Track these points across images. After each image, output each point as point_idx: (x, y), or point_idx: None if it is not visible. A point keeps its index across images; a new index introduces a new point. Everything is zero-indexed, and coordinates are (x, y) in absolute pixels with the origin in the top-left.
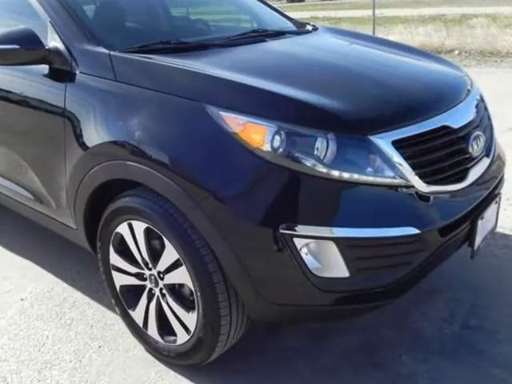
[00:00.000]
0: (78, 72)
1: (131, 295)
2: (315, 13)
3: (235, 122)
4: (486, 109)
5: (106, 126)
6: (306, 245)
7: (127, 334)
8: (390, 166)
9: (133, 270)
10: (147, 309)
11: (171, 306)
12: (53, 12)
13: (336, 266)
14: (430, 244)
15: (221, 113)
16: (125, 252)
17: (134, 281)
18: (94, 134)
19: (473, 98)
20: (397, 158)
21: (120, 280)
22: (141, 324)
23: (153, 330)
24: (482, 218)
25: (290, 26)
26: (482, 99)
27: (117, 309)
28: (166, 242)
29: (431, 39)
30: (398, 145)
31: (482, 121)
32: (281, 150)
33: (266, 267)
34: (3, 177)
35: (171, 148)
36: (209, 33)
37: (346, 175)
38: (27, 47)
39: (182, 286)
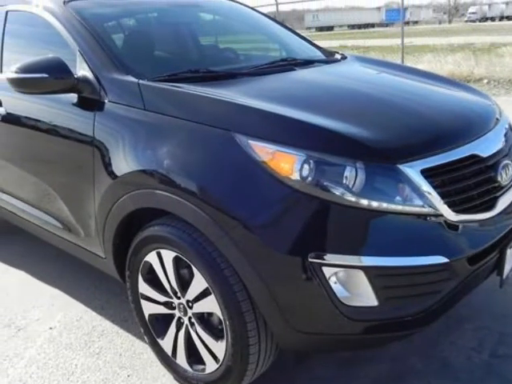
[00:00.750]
0: (106, 101)
1: (160, 324)
2: (344, 41)
3: (264, 151)
4: None
5: (135, 154)
6: (335, 273)
7: (156, 362)
8: (419, 195)
9: (162, 298)
10: (176, 337)
11: (200, 334)
12: (82, 41)
13: (365, 295)
14: (459, 273)
15: (250, 141)
16: (154, 281)
17: (162, 309)
18: (123, 163)
19: (502, 126)
20: (426, 186)
21: (149, 309)
22: (170, 353)
23: (182, 359)
24: (510, 247)
25: (319, 55)
26: (510, 128)
27: (146, 338)
28: (195, 270)
29: (460, 68)
30: (426, 173)
31: (511, 149)
32: (310, 178)
33: (295, 296)
34: (32, 206)
35: (200, 177)
36: (238, 61)
37: (374, 204)
38: (56, 76)
39: (210, 314)
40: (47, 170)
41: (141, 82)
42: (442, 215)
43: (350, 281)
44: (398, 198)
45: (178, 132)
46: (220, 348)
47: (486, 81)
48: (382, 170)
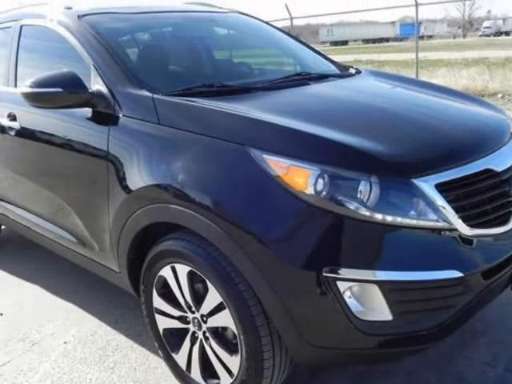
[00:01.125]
0: (121, 115)
1: (174, 338)
2: (358, 56)
3: (278, 166)
4: None
5: (149, 169)
6: (350, 288)
7: (170, 377)
8: (434, 209)
9: (176, 313)
10: (190, 352)
11: (214, 349)
12: (96, 55)
13: (379, 309)
14: (473, 287)
15: (264, 156)
16: (168, 295)
17: (177, 324)
18: (138, 177)
19: None
20: (440, 201)
21: (163, 323)
22: (184, 367)
23: (196, 373)
24: None
25: (334, 69)
26: None
27: (160, 352)
28: (209, 285)
29: (474, 82)
30: (441, 188)
31: None
32: (324, 193)
33: (309, 310)
34: (47, 220)
35: (214, 191)
36: (252, 76)
37: (389, 218)
38: (70, 90)
39: (225, 329)
40: (62, 185)
41: (155, 96)
42: (456, 229)
43: (364, 295)
44: (412, 212)
45: (193, 146)
46: (234, 362)
47: (500, 95)
48: (397, 184)
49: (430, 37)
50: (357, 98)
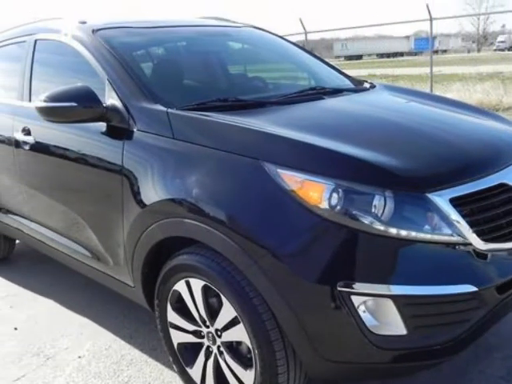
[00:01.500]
0: (135, 130)
1: (189, 353)
2: (373, 70)
3: (293, 180)
4: None
5: (164, 183)
6: (364, 302)
7: None
8: (448, 224)
9: (190, 327)
10: (205, 366)
11: (229, 363)
12: (111, 70)
13: (394, 324)
14: (488, 301)
15: (278, 170)
16: (182, 310)
17: (191, 338)
18: (152, 192)
19: None
20: (454, 215)
21: (178, 337)
22: (198, 382)
23: None
24: None
25: (348, 84)
26: None
27: (174, 366)
28: (224, 299)
29: (489, 97)
30: (455, 202)
31: None
32: (338, 207)
33: (324, 325)
34: (61, 234)
35: (229, 205)
36: (266, 90)
37: (403, 233)
38: (85, 105)
39: (239, 343)
40: (76, 199)
41: (169, 110)
42: (470, 244)
43: (378, 309)
44: (426, 226)
45: (207, 161)
46: (249, 377)
47: None
48: (411, 198)
49: (445, 51)
50: (371, 112)
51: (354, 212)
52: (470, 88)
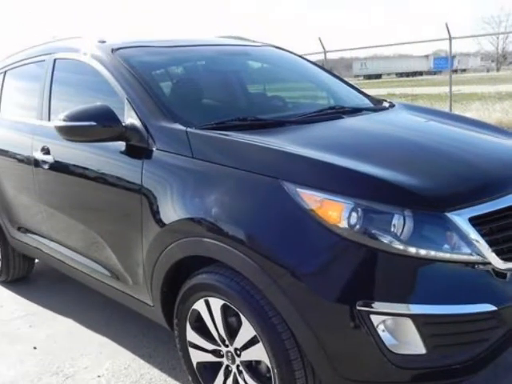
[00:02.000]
0: (154, 149)
1: (208, 372)
2: (392, 89)
3: (312, 199)
4: None
5: (183, 202)
6: (383, 321)
7: None
8: (467, 243)
9: (210, 346)
10: None
11: (248, 382)
12: (130, 89)
13: (413, 343)
14: (507, 321)
15: (298, 190)
16: (201, 329)
17: (210, 357)
18: (171, 211)
19: None
20: (473, 234)
21: (197, 357)
22: None
23: None
24: None
25: (367, 103)
26: None
27: None
28: (243, 318)
29: (508, 116)
30: (474, 221)
31: None
32: (358, 226)
33: (343, 344)
34: (80, 254)
35: (248, 225)
36: (285, 109)
37: (422, 252)
38: (104, 124)
39: (258, 362)
40: (95, 218)
41: (189, 130)
42: (489, 263)
43: (398, 329)
44: (445, 246)
45: (226, 180)
46: None
47: None
48: (430, 217)
49: (464, 70)
50: (390, 131)
51: (373, 231)
52: (489, 107)
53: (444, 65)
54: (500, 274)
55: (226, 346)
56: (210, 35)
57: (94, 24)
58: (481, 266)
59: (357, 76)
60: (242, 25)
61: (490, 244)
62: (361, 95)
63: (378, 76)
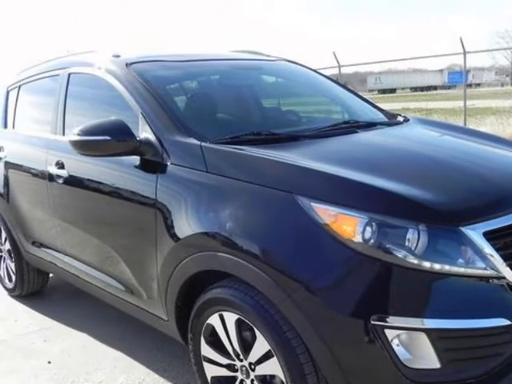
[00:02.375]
0: (169, 163)
1: None
2: (406, 104)
3: (326, 214)
4: None
5: (197, 217)
6: (397, 336)
7: None
8: (482, 258)
9: (224, 361)
10: None
11: None
12: (144, 103)
13: (427, 357)
14: None
15: (312, 204)
16: (216, 343)
17: (225, 372)
18: (186, 225)
19: None
20: (488, 249)
21: (211, 371)
22: None
23: None
24: None
25: (381, 117)
26: None
27: None
28: (257, 333)
29: None
30: (489, 236)
31: None
32: (372, 241)
33: (357, 358)
34: (95, 268)
35: (262, 239)
36: (300, 124)
37: (437, 266)
38: (118, 138)
39: (273, 377)
40: (109, 233)
41: (203, 144)
42: (504, 277)
43: (412, 343)
44: (460, 260)
45: (240, 194)
46: None
47: None
48: (445, 232)
49: (478, 85)
50: (405, 146)
51: (387, 245)
52: (503, 122)
53: (458, 79)
54: None
55: (241, 361)
56: (224, 49)
57: (101, 38)
58: (495, 281)
59: (371, 90)
60: (252, 32)
61: (505, 258)
62: (375, 109)
63: (393, 90)
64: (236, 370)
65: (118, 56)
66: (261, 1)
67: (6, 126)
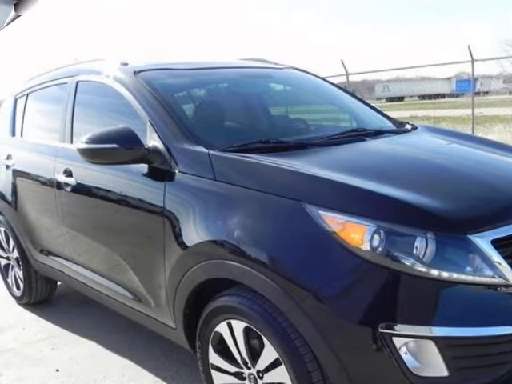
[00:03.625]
0: (177, 171)
1: None
2: (414, 112)
3: (335, 222)
4: None
5: (205, 225)
6: (405, 344)
7: None
8: (490, 265)
9: (232, 369)
10: None
11: None
12: (152, 111)
13: (435, 365)
14: None
15: (320, 212)
16: (224, 351)
17: (233, 380)
18: (194, 233)
19: None
20: (496, 257)
21: (219, 379)
22: None
23: None
24: None
25: (390, 125)
26: None
27: None
28: (265, 341)
29: None
30: (497, 244)
31: None
32: (380, 249)
33: (365, 366)
34: (103, 276)
35: (270, 247)
36: (308, 132)
37: (445, 274)
38: (127, 146)
39: None
40: (117, 241)
41: (211, 152)
42: None
43: (420, 351)
44: (468, 268)
45: (248, 202)
46: None
47: None
48: (453, 240)
49: (486, 93)
50: (413, 154)
51: (395, 253)
52: (511, 130)
53: (466, 87)
54: None
55: (249, 369)
56: (232, 57)
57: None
58: (503, 289)
59: (379, 98)
60: (264, 47)
61: None
62: (383, 117)
63: (401, 98)
64: (244, 378)
65: (126, 64)
66: (262, 6)
67: (14, 133)
